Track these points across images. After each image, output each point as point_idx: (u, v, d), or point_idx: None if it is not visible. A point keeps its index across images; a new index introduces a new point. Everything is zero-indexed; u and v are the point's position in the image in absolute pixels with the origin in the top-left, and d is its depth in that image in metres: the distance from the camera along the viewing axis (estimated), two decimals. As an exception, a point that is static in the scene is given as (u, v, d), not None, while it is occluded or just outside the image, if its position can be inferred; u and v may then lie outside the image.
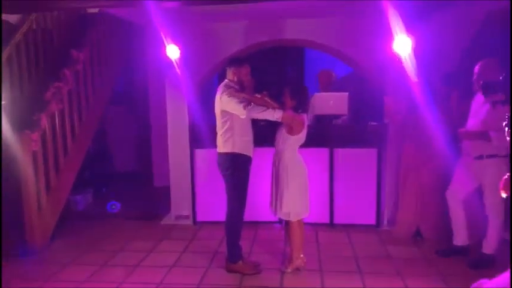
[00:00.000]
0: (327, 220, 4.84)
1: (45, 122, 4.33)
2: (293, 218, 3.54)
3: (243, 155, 3.56)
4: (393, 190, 4.67)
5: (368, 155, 4.69)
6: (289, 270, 3.62)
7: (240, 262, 3.65)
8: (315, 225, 4.76)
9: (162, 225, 5.05)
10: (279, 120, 3.40)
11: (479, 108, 3.56)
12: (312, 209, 4.77)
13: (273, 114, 3.38)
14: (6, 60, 4.77)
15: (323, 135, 4.84)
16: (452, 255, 3.86)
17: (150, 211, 5.43)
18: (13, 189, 4.21)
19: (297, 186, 3.48)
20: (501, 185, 1.63)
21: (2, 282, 3.40)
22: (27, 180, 4.15)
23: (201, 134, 4.91)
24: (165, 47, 4.58)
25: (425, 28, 4.22)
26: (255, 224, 4.89)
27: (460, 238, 3.87)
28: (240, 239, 3.67)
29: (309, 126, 4.69)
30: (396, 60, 4.06)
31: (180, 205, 5.11)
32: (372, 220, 4.76)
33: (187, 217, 5.09)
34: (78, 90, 4.96)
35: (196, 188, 5.02)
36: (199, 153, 4.99)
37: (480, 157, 3.55)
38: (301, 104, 3.51)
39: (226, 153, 3.55)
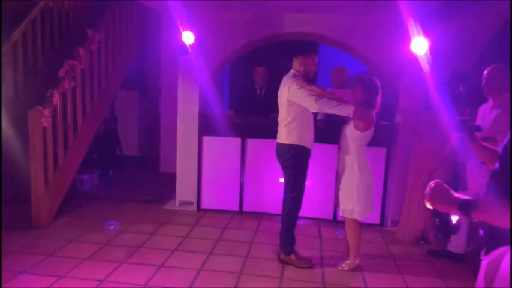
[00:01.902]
0: (330, 216, 4.83)
1: (57, 99, 4.35)
2: (358, 216, 3.39)
3: (304, 147, 3.51)
4: (399, 191, 4.65)
5: (377, 153, 4.66)
6: (345, 267, 3.54)
7: (293, 255, 3.60)
8: (318, 221, 4.76)
9: (166, 210, 5.07)
10: (350, 116, 3.25)
11: (488, 112, 3.53)
12: (315, 204, 4.79)
13: (345, 110, 3.24)
14: (21, 36, 4.80)
15: (333, 131, 4.82)
16: (443, 258, 3.85)
17: (155, 196, 5.45)
18: (21, 165, 4.24)
19: (365, 184, 3.33)
20: (426, 195, 1.47)
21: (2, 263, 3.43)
22: (35, 156, 4.18)
23: (211, 122, 4.92)
24: (180, 32, 4.58)
25: (444, 29, 4.18)
26: (259, 215, 4.90)
27: (457, 245, 3.84)
28: (294, 229, 3.62)
29: (319, 121, 4.70)
30: (412, 59, 4.03)
31: (185, 191, 5.13)
32: (375, 219, 4.74)
33: (191, 203, 5.10)
34: (92, 71, 4.99)
35: (202, 175, 5.03)
36: (208, 140, 5.00)
37: (484, 163, 3.51)
38: (371, 99, 3.34)
39: (289, 145, 3.50)
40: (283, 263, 3.61)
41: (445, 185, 1.45)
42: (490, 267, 0.92)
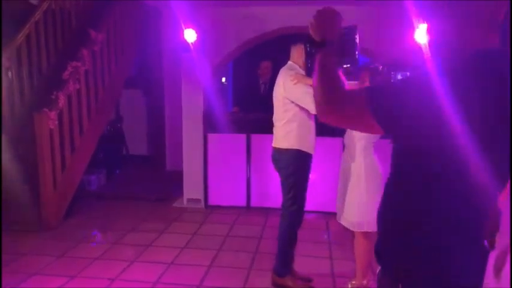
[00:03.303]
0: (338, 209, 4.83)
1: (63, 101, 4.38)
2: (368, 228, 2.81)
3: (305, 152, 2.99)
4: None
5: (382, 145, 4.65)
6: (349, 286, 3.10)
7: (289, 278, 3.10)
8: (326, 214, 4.77)
9: (173, 207, 5.11)
10: None
11: None
12: (322, 198, 4.79)
13: None
14: (25, 38, 4.82)
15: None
16: None
17: (162, 194, 5.48)
18: (30, 167, 4.28)
19: (373, 190, 2.77)
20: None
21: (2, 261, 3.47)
22: (43, 158, 4.22)
23: (215, 119, 4.94)
24: (182, 30, 4.59)
25: (447, 19, 4.15)
26: (266, 210, 4.91)
27: None
28: (295, 247, 3.16)
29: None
30: (416, 50, 4.01)
31: (192, 189, 5.15)
32: (383, 211, 4.74)
33: (198, 201, 5.13)
34: (95, 72, 5.01)
35: (208, 172, 5.05)
36: (213, 137, 5.01)
37: None
38: None
39: (287, 149, 2.98)
40: (277, 286, 3.12)
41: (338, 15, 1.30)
42: (499, 259, 0.92)
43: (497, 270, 0.91)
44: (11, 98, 4.70)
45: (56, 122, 4.30)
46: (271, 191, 4.94)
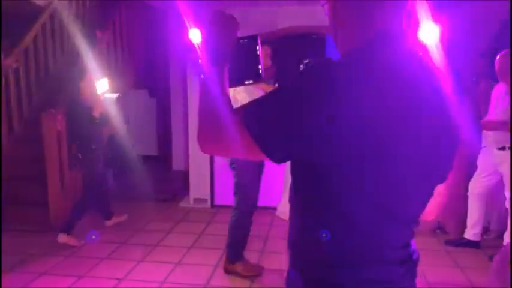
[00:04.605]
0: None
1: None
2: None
3: None
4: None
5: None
6: None
7: (239, 263, 3.27)
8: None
9: (180, 207, 5.13)
10: None
11: (501, 98, 3.49)
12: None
13: None
14: (33, 40, 4.86)
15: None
16: (462, 247, 3.83)
17: (169, 194, 5.50)
18: (38, 168, 4.31)
19: None
20: None
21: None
22: (51, 158, 4.25)
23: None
24: (187, 30, 4.60)
25: (455, 15, 4.12)
26: (272, 209, 4.91)
27: (473, 233, 3.82)
28: (245, 239, 3.29)
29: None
30: (423, 48, 3.98)
31: (198, 189, 5.16)
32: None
33: (205, 200, 5.14)
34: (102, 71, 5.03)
35: (214, 172, 5.06)
36: (219, 137, 5.01)
37: (503, 148, 3.49)
38: None
39: None
40: (228, 272, 3.29)
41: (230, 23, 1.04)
42: (502, 263, 0.90)
43: (503, 273, 0.89)
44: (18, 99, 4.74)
45: (64, 123, 4.32)
46: (278, 190, 4.94)
